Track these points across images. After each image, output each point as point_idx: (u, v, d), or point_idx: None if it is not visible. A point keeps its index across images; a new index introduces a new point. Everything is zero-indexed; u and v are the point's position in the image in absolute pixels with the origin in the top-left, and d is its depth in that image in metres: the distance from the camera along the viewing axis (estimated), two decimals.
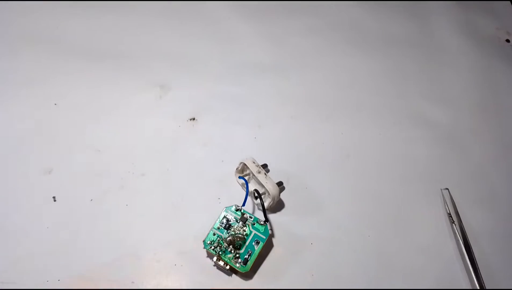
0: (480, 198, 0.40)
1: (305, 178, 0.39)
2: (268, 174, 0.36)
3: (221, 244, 0.32)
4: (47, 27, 0.46)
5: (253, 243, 0.33)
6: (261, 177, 0.35)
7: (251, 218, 0.34)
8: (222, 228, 0.33)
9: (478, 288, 0.33)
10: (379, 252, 0.36)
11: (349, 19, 0.52)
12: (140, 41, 0.47)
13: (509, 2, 0.56)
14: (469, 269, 0.34)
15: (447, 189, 0.39)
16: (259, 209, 0.36)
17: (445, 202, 0.38)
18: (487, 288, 0.34)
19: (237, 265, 0.32)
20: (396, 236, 0.37)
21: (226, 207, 0.34)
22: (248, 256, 0.32)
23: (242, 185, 0.37)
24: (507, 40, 0.52)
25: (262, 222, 0.33)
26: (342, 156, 0.41)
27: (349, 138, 0.42)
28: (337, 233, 0.36)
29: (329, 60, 0.48)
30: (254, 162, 0.35)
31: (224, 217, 0.33)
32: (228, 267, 0.32)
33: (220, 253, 0.32)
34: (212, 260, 0.32)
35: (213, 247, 0.32)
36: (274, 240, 0.35)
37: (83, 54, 0.45)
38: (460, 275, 0.35)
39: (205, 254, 0.34)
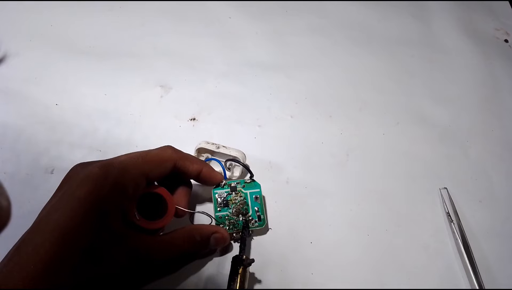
0: (479, 197, 0.40)
1: (305, 177, 0.39)
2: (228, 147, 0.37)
3: (231, 220, 0.34)
4: (48, 26, 0.46)
5: (254, 201, 0.35)
6: (222, 150, 0.36)
7: (238, 183, 0.35)
8: (223, 208, 0.34)
9: (477, 287, 0.34)
10: (378, 251, 0.36)
11: (351, 19, 0.52)
12: (141, 40, 0.47)
13: (507, 2, 0.56)
14: (468, 268, 0.35)
15: (445, 188, 0.39)
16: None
17: (443, 201, 0.39)
18: (486, 287, 0.34)
19: (255, 225, 0.34)
20: (395, 235, 0.37)
21: (212, 190, 0.35)
22: (258, 212, 0.34)
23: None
24: (506, 40, 0.52)
25: (248, 180, 0.35)
26: (342, 155, 0.41)
27: (349, 138, 0.42)
28: (336, 232, 0.37)
29: (330, 59, 0.48)
30: (208, 142, 0.37)
31: (217, 198, 0.35)
32: (251, 232, 0.34)
33: (236, 227, 0.34)
34: (233, 238, 0.34)
35: (228, 228, 0.34)
36: (274, 240, 0.36)
37: (84, 54, 0.45)
38: (459, 274, 0.35)
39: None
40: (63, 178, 0.28)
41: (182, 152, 0.33)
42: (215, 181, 0.34)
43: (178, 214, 0.32)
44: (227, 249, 0.35)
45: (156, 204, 0.30)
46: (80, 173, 0.27)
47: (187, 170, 0.32)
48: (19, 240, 0.24)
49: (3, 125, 0.39)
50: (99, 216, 0.25)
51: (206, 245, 0.31)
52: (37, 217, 0.26)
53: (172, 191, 0.32)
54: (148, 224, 0.29)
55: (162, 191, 0.31)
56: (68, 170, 0.28)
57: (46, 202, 0.27)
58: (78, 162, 0.29)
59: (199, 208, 0.36)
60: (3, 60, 0.13)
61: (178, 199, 0.32)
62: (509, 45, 0.52)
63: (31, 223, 0.25)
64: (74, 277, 0.23)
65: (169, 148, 0.32)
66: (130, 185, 0.27)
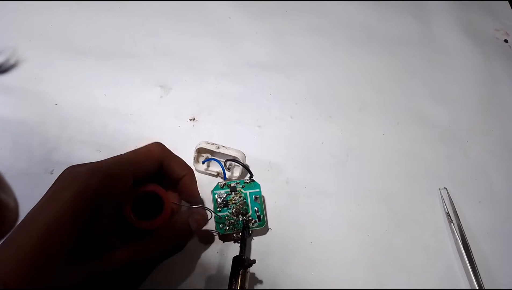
0: (479, 197, 0.40)
1: (304, 177, 0.39)
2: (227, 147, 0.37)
3: (231, 220, 0.34)
4: (48, 26, 0.46)
5: (254, 201, 0.35)
6: (222, 150, 0.36)
7: (238, 183, 0.35)
8: (223, 208, 0.34)
9: (477, 287, 0.34)
10: (378, 251, 0.36)
11: (351, 18, 0.52)
12: (141, 40, 0.46)
13: (507, 2, 0.56)
14: (468, 269, 0.35)
15: (445, 188, 0.39)
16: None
17: (443, 201, 0.39)
18: (485, 287, 0.34)
19: (255, 225, 0.34)
20: (395, 235, 0.37)
21: (212, 190, 0.35)
22: (258, 212, 0.34)
23: (206, 170, 0.38)
24: (506, 40, 0.52)
25: (248, 181, 0.36)
26: (342, 155, 0.41)
27: (349, 138, 0.42)
28: (336, 232, 0.37)
29: (330, 59, 0.48)
30: (208, 142, 0.37)
31: (217, 198, 0.35)
32: (251, 232, 0.34)
33: (236, 227, 0.34)
34: (233, 238, 0.34)
35: (227, 228, 0.34)
36: (274, 240, 0.36)
37: (84, 54, 0.45)
38: (459, 274, 0.35)
39: (206, 252, 0.34)
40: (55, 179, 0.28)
41: (170, 151, 0.32)
42: (190, 194, 0.33)
43: (175, 210, 0.31)
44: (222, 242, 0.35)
45: (152, 202, 0.30)
46: (68, 175, 0.27)
47: (171, 171, 0.31)
48: (5, 238, 0.24)
49: (2, 125, 0.39)
50: (84, 218, 0.25)
51: (188, 231, 0.31)
52: (24, 217, 0.26)
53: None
54: (148, 224, 0.29)
55: (156, 188, 0.30)
56: None
57: None
58: (77, 162, 0.29)
59: None
60: (16, 66, 0.13)
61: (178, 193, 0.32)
62: (509, 45, 0.52)
63: None
64: (57, 279, 0.23)
65: (157, 145, 0.31)
66: (117, 186, 0.27)
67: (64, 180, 0.26)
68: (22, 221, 0.25)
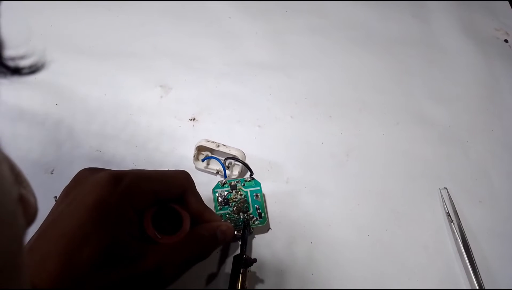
0: (479, 197, 0.40)
1: (304, 177, 0.39)
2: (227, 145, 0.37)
3: (232, 218, 0.34)
4: (48, 26, 0.46)
5: (255, 199, 0.35)
6: (222, 148, 0.36)
7: (239, 181, 0.36)
8: (224, 207, 0.34)
9: (477, 287, 0.34)
10: (378, 251, 0.36)
11: (351, 18, 0.52)
12: (141, 40, 0.46)
13: (507, 2, 0.56)
14: (468, 269, 0.35)
15: (445, 188, 0.39)
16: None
17: (443, 201, 0.39)
18: (486, 287, 0.34)
19: (256, 223, 0.34)
20: (395, 235, 0.37)
21: (213, 189, 0.35)
22: (259, 210, 0.35)
23: (205, 168, 0.38)
24: (506, 40, 0.52)
25: (248, 179, 0.36)
26: (342, 155, 0.41)
27: (349, 138, 0.42)
28: (336, 232, 0.37)
29: (330, 59, 0.48)
30: (208, 140, 0.37)
31: (218, 197, 0.35)
32: (252, 230, 0.34)
33: (238, 226, 0.34)
34: (234, 237, 0.34)
35: None
36: (274, 240, 0.36)
37: (83, 54, 0.45)
38: (459, 274, 0.35)
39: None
40: (69, 181, 0.27)
41: (194, 184, 0.31)
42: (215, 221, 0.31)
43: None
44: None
45: (169, 215, 0.29)
46: (90, 178, 0.26)
47: (189, 205, 0.30)
48: (27, 243, 0.24)
49: (2, 125, 0.39)
50: (108, 224, 0.24)
51: (215, 240, 0.30)
52: (44, 222, 0.25)
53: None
54: (167, 239, 0.28)
55: (174, 204, 0.30)
56: (75, 174, 0.28)
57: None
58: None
59: None
60: (43, 67, 0.13)
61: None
62: (509, 45, 0.52)
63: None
64: (84, 287, 0.23)
65: (183, 174, 0.30)
66: (139, 198, 0.27)
67: (86, 184, 0.26)
68: (44, 226, 0.25)
